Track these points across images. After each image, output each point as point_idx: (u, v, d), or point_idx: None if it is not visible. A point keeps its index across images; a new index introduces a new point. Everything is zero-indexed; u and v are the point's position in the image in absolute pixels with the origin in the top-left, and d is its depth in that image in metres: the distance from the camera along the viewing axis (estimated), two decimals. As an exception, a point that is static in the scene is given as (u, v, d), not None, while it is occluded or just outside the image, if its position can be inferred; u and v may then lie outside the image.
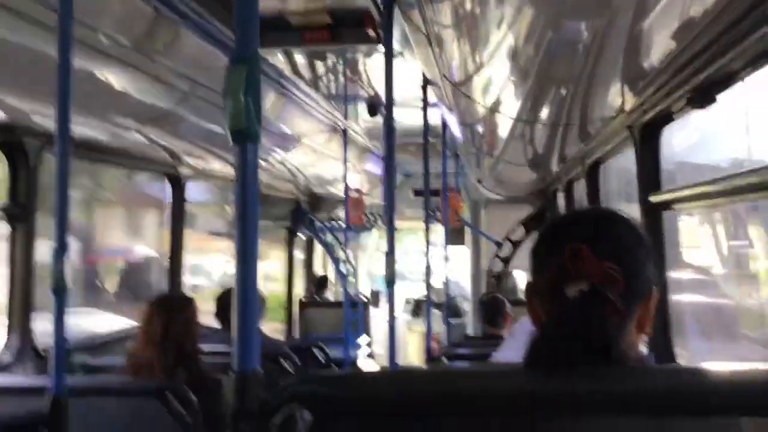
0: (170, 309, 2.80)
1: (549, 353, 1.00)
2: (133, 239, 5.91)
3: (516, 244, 7.13)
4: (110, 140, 3.74)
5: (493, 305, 4.56)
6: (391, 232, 2.62)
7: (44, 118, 3.07)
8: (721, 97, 2.07)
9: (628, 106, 2.70)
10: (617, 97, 2.62)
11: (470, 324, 8.98)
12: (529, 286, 1.12)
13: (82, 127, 3.44)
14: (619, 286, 0.99)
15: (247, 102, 1.09)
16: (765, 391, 0.92)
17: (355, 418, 0.99)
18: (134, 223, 5.82)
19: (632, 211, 2.92)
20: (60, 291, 2.16)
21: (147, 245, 5.76)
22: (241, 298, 1.10)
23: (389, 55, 2.74)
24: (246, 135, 1.11)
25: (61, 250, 2.17)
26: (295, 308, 7.65)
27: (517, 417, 0.95)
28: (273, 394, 0.97)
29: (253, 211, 1.12)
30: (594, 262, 0.99)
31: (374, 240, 12.89)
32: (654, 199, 2.65)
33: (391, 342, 2.54)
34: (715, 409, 0.91)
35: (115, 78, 3.03)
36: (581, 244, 1.00)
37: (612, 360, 0.97)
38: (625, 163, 3.25)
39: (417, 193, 9.29)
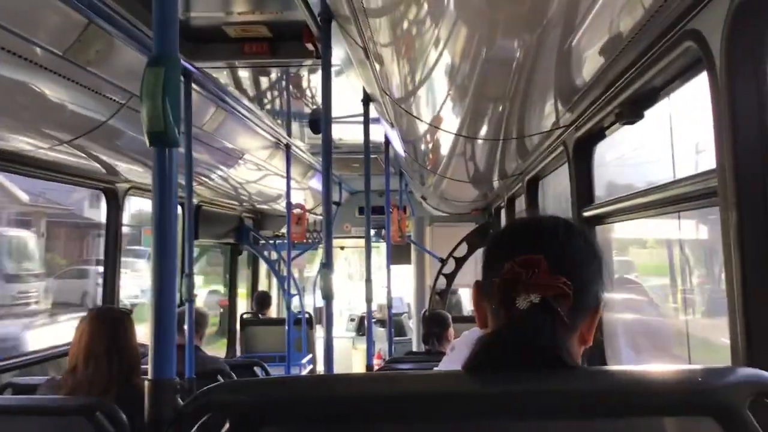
0: (112, 322, 2.69)
1: (495, 356, 1.00)
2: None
3: (460, 261, 7.18)
4: (43, 153, 3.63)
5: (435, 321, 4.56)
6: (328, 245, 2.61)
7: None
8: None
9: (562, 122, 2.76)
10: (551, 113, 2.67)
11: (415, 342, 8.99)
12: (479, 285, 1.11)
13: (12, 140, 3.34)
14: (568, 301, 0.99)
15: (165, 104, 1.06)
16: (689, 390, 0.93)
17: (276, 426, 0.96)
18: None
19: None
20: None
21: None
22: (156, 308, 1.07)
23: (327, 70, 2.74)
24: (165, 138, 1.08)
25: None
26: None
27: (453, 420, 0.93)
28: (189, 402, 0.95)
29: (171, 218, 1.09)
30: (548, 276, 0.99)
31: (321, 257, 12.82)
32: (587, 213, 2.71)
33: (329, 355, 2.52)
34: (644, 410, 0.92)
35: (47, 89, 2.95)
36: (539, 254, 1.00)
37: (558, 365, 0.98)
38: (562, 179, 3.31)
39: (362, 210, 9.29)
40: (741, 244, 1.32)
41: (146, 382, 1.06)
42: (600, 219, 2.68)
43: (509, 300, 1.00)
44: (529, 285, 0.99)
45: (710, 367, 0.98)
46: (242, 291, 8.54)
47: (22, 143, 3.45)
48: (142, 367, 2.73)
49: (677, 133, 2.14)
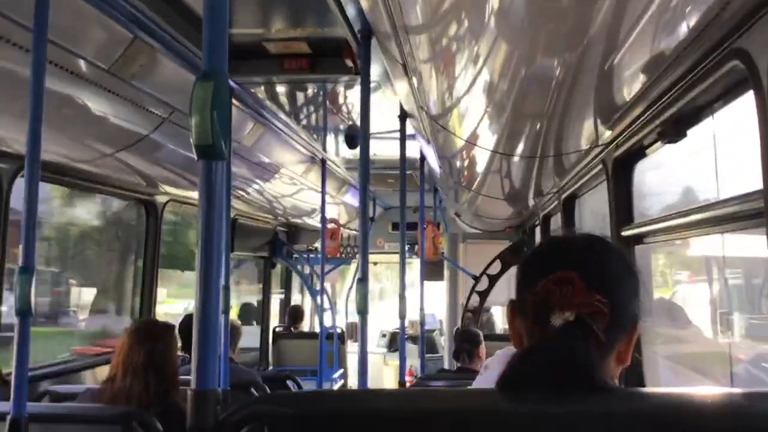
0: (151, 337, 2.72)
1: (528, 376, 0.98)
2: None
3: (493, 279, 7.13)
4: (85, 165, 3.71)
5: (466, 337, 4.54)
6: (364, 259, 2.62)
7: (17, 141, 3.04)
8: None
9: (601, 141, 2.74)
10: (591, 131, 2.66)
11: (447, 359, 8.93)
12: (513, 303, 1.10)
13: (56, 152, 3.42)
14: (604, 319, 0.98)
15: (213, 118, 1.09)
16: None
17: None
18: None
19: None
20: (25, 314, 2.11)
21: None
22: (200, 319, 1.08)
23: (366, 86, 2.76)
24: (212, 151, 1.10)
25: (27, 272, 2.13)
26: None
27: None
28: (231, 412, 0.96)
29: (218, 232, 1.11)
30: (583, 293, 0.98)
31: (353, 272, 12.81)
32: (626, 233, 2.68)
33: (362, 370, 2.52)
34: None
35: (92, 102, 3.02)
36: (573, 271, 0.99)
37: (593, 387, 0.96)
38: (600, 197, 3.28)
39: (395, 226, 9.29)
40: (788, 267, 1.29)
41: (189, 392, 1.08)
42: (639, 239, 2.64)
43: (544, 318, 0.99)
44: (563, 303, 0.98)
45: (756, 390, 0.96)
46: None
47: (67, 155, 3.52)
48: (181, 377, 2.76)
49: (723, 152, 2.11)
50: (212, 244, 1.11)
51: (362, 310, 2.53)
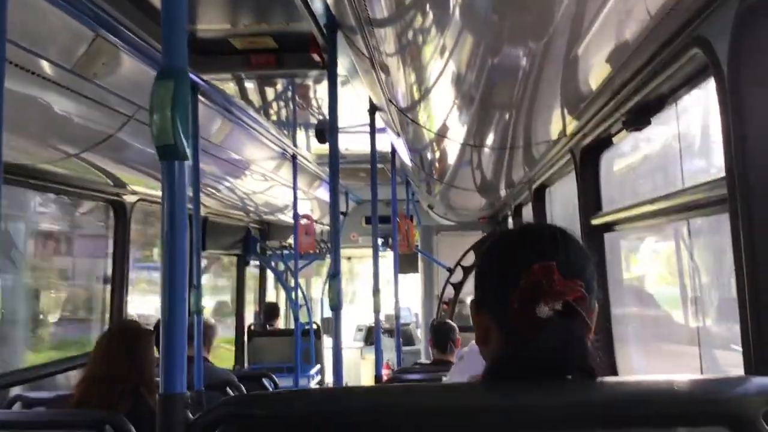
0: (132, 335, 2.72)
1: (526, 366, 0.99)
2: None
3: (467, 270, 7.15)
4: (49, 166, 3.64)
5: (442, 330, 4.55)
6: (336, 254, 2.61)
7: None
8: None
9: (569, 130, 2.76)
10: (558, 121, 2.67)
11: (423, 351, 8.96)
12: (478, 302, 1.10)
13: (19, 153, 3.35)
14: (584, 304, 0.99)
15: (174, 118, 1.07)
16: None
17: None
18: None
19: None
20: (-9, 320, 2.07)
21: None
22: (167, 321, 1.07)
23: (333, 80, 2.76)
24: (174, 152, 1.08)
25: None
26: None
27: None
28: (201, 415, 0.95)
29: (181, 232, 1.10)
30: (564, 281, 0.98)
31: (329, 268, 12.71)
32: (595, 221, 2.70)
33: (337, 367, 2.51)
34: (658, 420, 0.92)
35: (54, 102, 2.96)
36: (550, 261, 0.99)
37: (590, 372, 0.98)
38: (570, 187, 3.30)
39: (369, 220, 9.28)
40: (752, 252, 1.31)
41: (157, 396, 1.07)
42: (608, 227, 2.67)
43: (530, 310, 0.98)
44: (550, 292, 0.97)
45: (724, 376, 0.98)
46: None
47: (31, 157, 3.46)
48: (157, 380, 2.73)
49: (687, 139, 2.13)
50: (176, 244, 1.10)
51: (335, 306, 2.52)
